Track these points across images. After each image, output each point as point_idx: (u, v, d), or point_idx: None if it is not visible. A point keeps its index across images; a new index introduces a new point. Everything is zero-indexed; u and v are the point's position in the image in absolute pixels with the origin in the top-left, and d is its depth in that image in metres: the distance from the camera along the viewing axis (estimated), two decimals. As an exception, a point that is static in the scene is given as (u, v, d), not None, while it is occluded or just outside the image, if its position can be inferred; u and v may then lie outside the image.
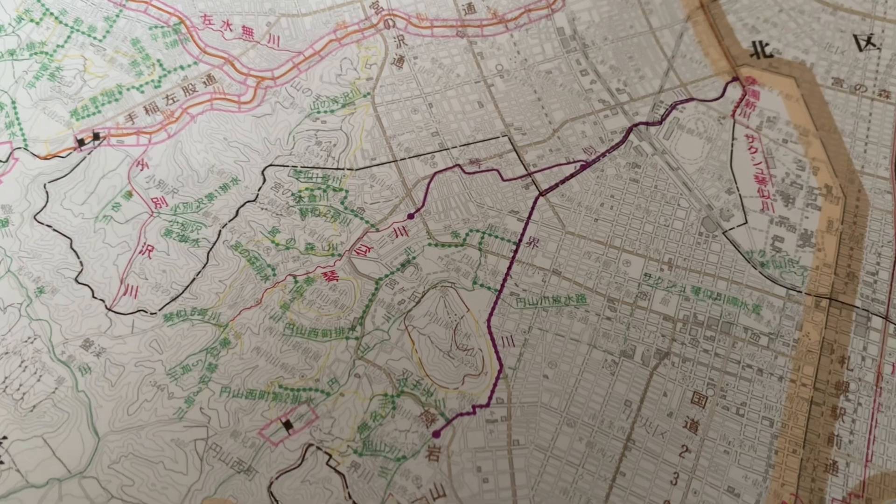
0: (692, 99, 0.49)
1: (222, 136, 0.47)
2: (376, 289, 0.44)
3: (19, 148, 0.46)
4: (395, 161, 0.47)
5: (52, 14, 0.49)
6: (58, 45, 0.48)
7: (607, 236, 0.46)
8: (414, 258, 0.45)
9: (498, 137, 0.48)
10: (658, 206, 0.47)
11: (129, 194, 0.45)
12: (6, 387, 0.41)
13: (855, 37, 0.51)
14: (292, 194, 0.46)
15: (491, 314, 0.44)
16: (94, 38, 0.49)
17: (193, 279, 0.44)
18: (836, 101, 0.49)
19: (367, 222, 0.46)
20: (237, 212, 0.45)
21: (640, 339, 0.43)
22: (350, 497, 0.39)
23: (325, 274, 0.44)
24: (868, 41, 0.51)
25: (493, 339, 0.43)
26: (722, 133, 0.48)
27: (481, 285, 0.44)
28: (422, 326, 0.43)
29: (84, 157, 0.46)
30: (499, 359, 0.42)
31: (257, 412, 0.41)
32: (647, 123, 0.49)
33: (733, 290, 0.44)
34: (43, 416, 0.40)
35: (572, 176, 0.47)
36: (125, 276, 0.44)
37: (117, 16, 0.49)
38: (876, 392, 0.42)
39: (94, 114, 0.47)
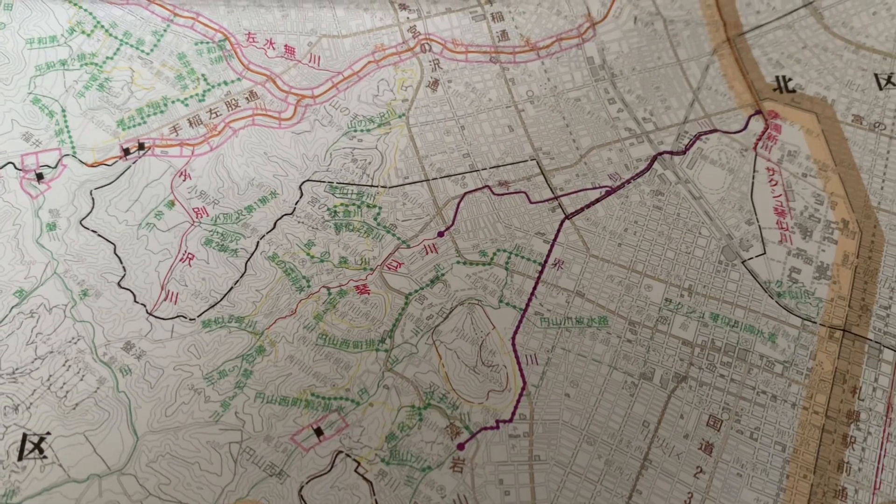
0: (716, 130, 0.51)
1: (263, 150, 0.49)
2: (406, 303, 0.46)
3: (68, 155, 0.48)
4: (428, 180, 0.49)
5: (102, 27, 0.51)
6: (107, 57, 0.50)
7: (630, 261, 0.47)
8: (443, 275, 0.47)
9: (526, 161, 0.50)
10: (680, 233, 0.48)
11: (172, 203, 0.47)
12: (51, 384, 0.42)
13: (876, 75, 0.53)
14: (328, 209, 0.48)
15: (516, 332, 0.45)
16: (143, 51, 0.51)
17: (231, 288, 0.46)
18: (855, 138, 0.51)
19: (398, 238, 0.48)
20: (275, 224, 0.47)
21: (660, 362, 0.45)
22: (376, 504, 0.41)
23: (357, 287, 0.46)
24: (888, 80, 0.53)
25: (517, 357, 0.45)
26: (744, 165, 0.50)
27: (507, 304, 0.46)
28: (449, 341, 0.45)
29: (129, 166, 0.48)
30: (522, 376, 0.44)
31: (290, 418, 0.42)
32: (671, 153, 0.50)
33: (750, 318, 0.46)
34: (85, 415, 0.42)
35: (598, 201, 0.49)
36: (166, 282, 0.45)
37: (165, 30, 0.51)
38: (886, 422, 0.44)
39: (139, 124, 0.49)
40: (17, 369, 0.43)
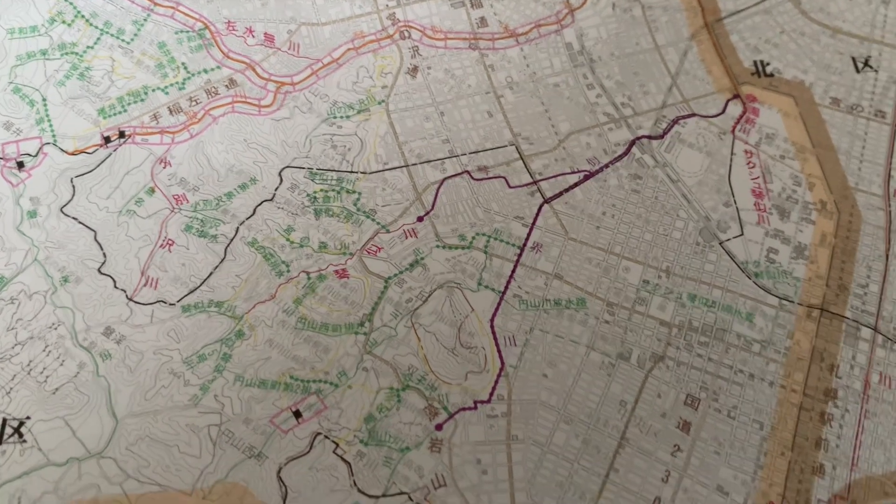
0: (694, 114, 0.51)
1: (242, 137, 0.49)
2: (385, 287, 0.46)
3: (48, 143, 0.48)
4: (407, 166, 0.49)
5: (83, 16, 0.51)
6: (88, 47, 0.50)
7: (608, 243, 0.48)
8: (422, 259, 0.47)
9: (506, 146, 0.50)
10: (658, 216, 0.48)
11: (152, 190, 0.47)
12: (31, 369, 0.43)
13: (853, 59, 0.53)
14: (307, 195, 0.48)
15: (494, 314, 0.45)
16: (123, 40, 0.51)
17: (211, 273, 0.46)
18: (833, 120, 0.51)
19: (378, 223, 0.48)
20: (255, 210, 0.47)
21: (637, 342, 0.45)
22: (355, 484, 0.41)
23: (336, 272, 0.46)
24: (865, 63, 0.53)
25: (495, 339, 0.45)
26: (722, 148, 0.50)
27: (486, 287, 0.46)
28: (428, 324, 0.45)
29: (110, 154, 0.48)
30: (501, 357, 0.44)
31: (269, 401, 0.43)
32: (649, 137, 0.51)
33: (728, 298, 0.46)
34: (65, 399, 0.42)
35: (576, 185, 0.49)
36: (146, 268, 0.46)
37: (145, 20, 0.51)
38: (863, 399, 0.44)
39: (120, 113, 0.49)
40: (-3, 355, 0.43)
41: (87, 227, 0.46)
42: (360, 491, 0.41)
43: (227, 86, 0.50)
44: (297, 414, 0.42)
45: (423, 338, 0.45)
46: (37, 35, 0.50)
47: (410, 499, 0.41)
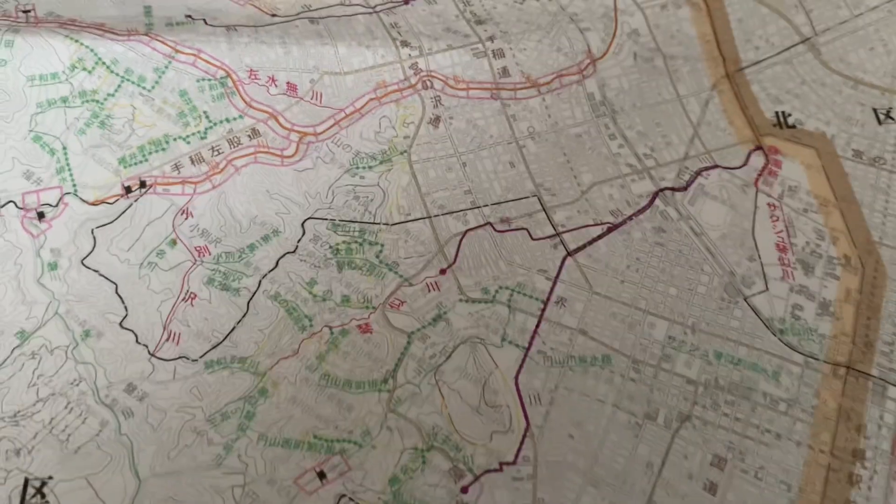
0: (717, 166, 0.51)
1: (265, 188, 0.49)
2: (408, 343, 0.46)
3: (69, 193, 0.48)
4: (429, 217, 0.49)
5: (103, 63, 0.51)
6: (108, 94, 0.50)
7: (633, 298, 0.47)
8: (445, 313, 0.47)
9: (528, 197, 0.50)
10: (682, 270, 0.48)
11: (174, 242, 0.47)
12: (52, 427, 0.42)
13: (874, 110, 0.53)
14: (330, 247, 0.48)
15: (519, 371, 0.45)
16: (144, 88, 0.51)
17: (234, 328, 0.45)
18: (855, 173, 0.51)
19: (400, 276, 0.48)
20: (277, 262, 0.47)
21: (664, 401, 0.45)
22: (381, 548, 0.41)
23: (359, 326, 0.46)
24: (887, 115, 0.53)
25: (520, 397, 0.44)
26: (745, 201, 0.50)
27: (510, 342, 0.46)
28: (452, 381, 0.45)
29: (131, 204, 0.48)
30: (526, 417, 0.44)
31: (293, 461, 0.42)
32: (672, 189, 0.50)
33: (753, 355, 0.46)
34: (87, 458, 0.42)
35: (600, 237, 0.49)
36: (168, 322, 0.45)
37: (166, 67, 0.51)
38: (892, 460, 0.44)
39: (141, 162, 0.49)
40: (18, 412, 0.42)
41: (108, 279, 0.46)
42: (385, 555, 0.41)
43: (249, 136, 0.50)
44: (322, 475, 0.42)
45: (448, 396, 0.44)
46: (57, 82, 0.50)
47: (437, 563, 0.41)
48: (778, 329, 0.47)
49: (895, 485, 0.43)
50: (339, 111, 0.51)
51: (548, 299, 0.47)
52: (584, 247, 0.49)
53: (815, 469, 0.43)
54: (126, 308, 0.45)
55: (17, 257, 0.46)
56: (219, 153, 0.50)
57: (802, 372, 0.45)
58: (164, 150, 0.49)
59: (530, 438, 0.44)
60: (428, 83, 0.52)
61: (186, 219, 0.48)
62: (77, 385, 0.43)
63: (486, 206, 0.50)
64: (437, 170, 0.51)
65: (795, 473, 0.43)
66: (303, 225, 0.48)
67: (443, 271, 0.48)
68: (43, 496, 0.41)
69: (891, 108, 0.53)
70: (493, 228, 0.49)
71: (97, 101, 0.50)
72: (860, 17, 0.56)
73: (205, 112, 0.50)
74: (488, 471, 0.43)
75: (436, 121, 0.52)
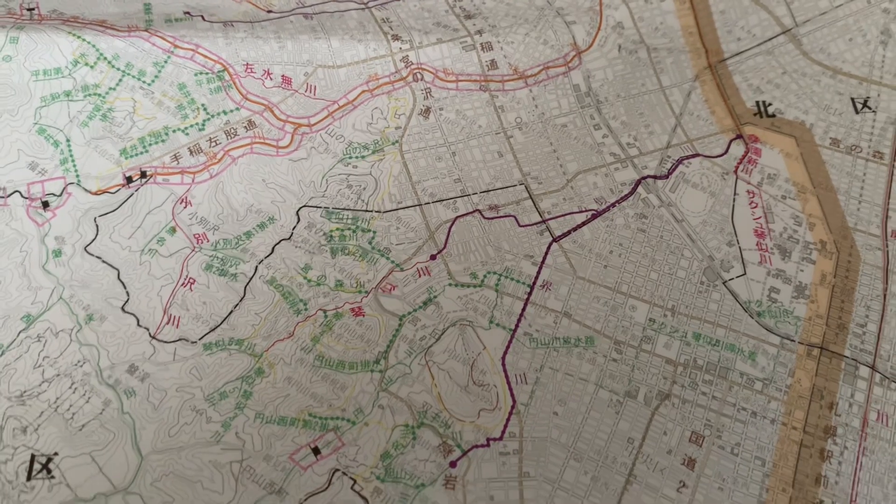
0: (698, 154, 0.53)
1: (261, 177, 0.51)
2: (400, 325, 0.48)
3: (72, 183, 0.50)
4: (420, 205, 0.51)
5: (105, 58, 0.52)
6: (110, 88, 0.52)
7: (615, 282, 0.49)
8: (435, 297, 0.48)
9: (515, 185, 0.52)
10: (663, 255, 0.50)
11: (173, 230, 0.49)
12: (57, 406, 0.44)
13: (852, 100, 0.55)
14: (324, 234, 0.50)
15: (506, 352, 0.47)
16: (144, 82, 0.52)
17: (231, 311, 0.47)
18: (832, 161, 0.53)
19: (392, 262, 0.49)
20: (273, 249, 0.49)
21: (644, 380, 0.46)
22: (372, 520, 0.43)
23: (352, 309, 0.48)
24: (864, 104, 0.55)
25: (507, 376, 0.46)
26: (725, 188, 0.52)
27: (497, 325, 0.48)
28: (441, 362, 0.47)
29: (132, 194, 0.50)
30: (512, 395, 0.46)
31: (288, 438, 0.44)
32: (654, 177, 0.52)
33: (731, 337, 0.48)
34: (91, 436, 0.44)
35: (584, 224, 0.51)
36: (168, 306, 0.47)
37: (165, 62, 0.53)
38: (861, 437, 0.45)
39: (142, 153, 0.51)
40: (24, 392, 0.44)
41: (110, 265, 0.48)
42: (376, 526, 0.43)
43: (245, 127, 0.52)
44: (316, 451, 0.44)
45: (437, 375, 0.46)
46: (60, 77, 0.52)
47: (425, 534, 0.43)
48: (755, 311, 0.48)
49: (864, 460, 0.45)
50: (333, 103, 0.53)
51: (534, 283, 0.49)
52: (568, 233, 0.51)
53: (788, 445, 0.45)
54: (128, 293, 0.47)
55: (23, 244, 0.48)
56: (216, 144, 0.51)
57: (778, 352, 0.47)
58: (163, 141, 0.51)
59: (516, 416, 0.45)
60: (418, 75, 0.54)
61: (185, 207, 0.50)
62: (81, 366, 0.45)
63: (475, 193, 0.52)
64: (427, 159, 0.52)
65: (770, 449, 0.45)
66: (297, 213, 0.50)
67: (433, 257, 0.50)
68: (49, 471, 0.43)
69: (868, 97, 0.55)
70: (482, 215, 0.51)
71: (99, 95, 0.52)
72: (840, 7, 0.58)
73: (203, 105, 0.52)
74: (476, 446, 0.44)
75: (426, 112, 0.54)
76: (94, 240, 0.48)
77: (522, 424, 0.45)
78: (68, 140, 0.50)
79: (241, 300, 0.48)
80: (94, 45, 0.52)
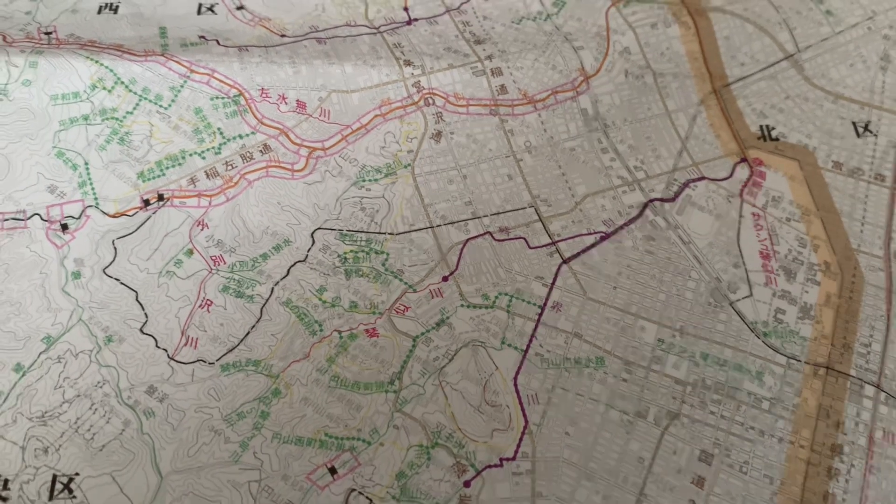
0: (704, 178, 0.54)
1: (276, 200, 0.52)
2: (413, 346, 0.48)
3: (91, 206, 0.50)
4: (432, 227, 0.52)
5: (122, 83, 0.53)
6: (127, 112, 0.53)
7: (624, 303, 0.50)
8: (448, 318, 0.49)
9: (525, 208, 0.53)
10: (671, 276, 0.51)
11: (190, 252, 0.50)
12: (78, 427, 0.45)
13: (854, 124, 0.56)
14: (338, 256, 0.51)
15: (517, 373, 0.48)
16: (161, 106, 0.53)
17: (248, 332, 0.48)
18: (835, 184, 0.54)
19: (405, 283, 0.50)
20: (288, 271, 0.50)
21: (654, 400, 0.47)
22: (388, 539, 0.43)
23: (367, 331, 0.49)
24: (865, 128, 0.56)
25: (519, 397, 0.47)
26: (730, 210, 0.53)
27: (509, 345, 0.49)
28: (454, 382, 0.47)
29: (149, 217, 0.51)
30: (524, 415, 0.47)
31: (305, 458, 0.45)
32: (661, 200, 0.53)
33: (738, 357, 0.48)
34: (111, 456, 0.44)
35: (593, 246, 0.52)
36: (186, 328, 0.48)
37: (182, 86, 0.54)
38: (868, 455, 0.46)
39: (159, 176, 0.52)
40: (46, 412, 0.45)
41: (128, 287, 0.49)
42: (393, 545, 0.43)
43: (261, 151, 0.53)
44: (333, 470, 0.45)
45: (451, 396, 0.47)
46: (79, 101, 0.53)
47: (441, 553, 0.43)
48: (762, 332, 0.49)
49: (871, 478, 0.46)
50: (346, 127, 0.54)
51: (544, 304, 0.50)
52: (578, 255, 0.52)
53: (796, 463, 0.46)
54: (146, 314, 0.48)
55: (43, 267, 0.49)
56: (232, 167, 0.52)
57: (784, 372, 0.48)
58: (180, 164, 0.52)
59: (529, 436, 0.46)
60: (430, 100, 0.55)
61: (202, 230, 0.51)
62: (101, 387, 0.46)
63: (486, 216, 0.53)
64: (439, 182, 0.53)
65: (778, 467, 0.46)
66: (312, 235, 0.51)
67: (445, 278, 0.51)
68: (70, 492, 0.43)
69: (869, 121, 0.56)
70: (493, 238, 0.52)
71: (117, 119, 0.53)
72: (841, 34, 0.59)
73: (219, 129, 0.53)
74: (489, 466, 0.45)
75: (437, 136, 0.55)
76: (112, 262, 0.49)
77: (535, 444, 0.46)
78: (86, 163, 0.51)
79: (257, 321, 0.48)
80: (111, 70, 0.53)
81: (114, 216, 0.50)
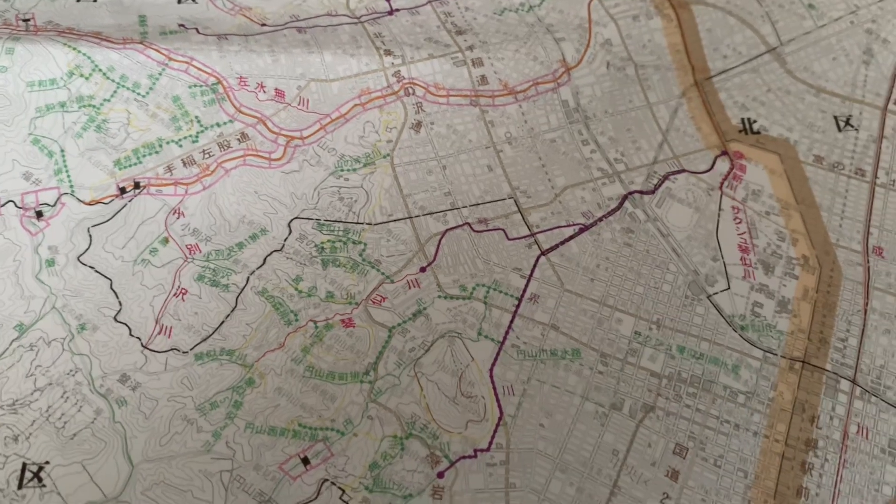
0: (684, 170, 0.54)
1: (253, 189, 0.51)
2: (389, 336, 0.48)
3: (66, 193, 0.50)
4: (411, 218, 0.52)
5: (100, 70, 0.53)
6: (104, 100, 0.52)
7: (602, 295, 0.50)
8: (424, 309, 0.49)
9: (505, 199, 0.53)
10: (649, 269, 0.51)
11: (166, 240, 0.50)
12: (49, 415, 0.45)
13: (835, 118, 0.56)
14: (315, 245, 0.50)
15: (493, 364, 0.48)
16: (138, 93, 0.53)
17: (223, 322, 0.48)
18: (816, 178, 0.54)
19: (382, 274, 0.50)
20: (264, 260, 0.50)
21: (629, 393, 0.47)
22: (360, 529, 0.43)
23: (343, 321, 0.48)
24: (847, 122, 0.56)
25: (494, 388, 0.47)
26: (710, 203, 0.53)
27: (485, 337, 0.48)
28: (430, 373, 0.47)
29: (125, 205, 0.50)
30: (499, 407, 0.46)
31: (278, 448, 0.45)
32: (641, 192, 0.53)
33: (715, 350, 0.48)
34: (82, 444, 0.44)
35: (571, 238, 0.52)
36: (160, 316, 0.48)
37: (160, 74, 0.53)
38: (842, 449, 0.46)
39: (135, 164, 0.51)
40: (17, 401, 0.45)
41: (103, 275, 0.48)
42: (364, 536, 0.43)
43: (238, 139, 0.52)
44: (306, 461, 0.45)
45: (426, 387, 0.47)
46: (55, 88, 0.52)
47: (413, 543, 0.43)
48: (738, 325, 0.49)
49: (845, 472, 0.46)
50: (325, 116, 0.54)
51: (522, 296, 0.50)
52: (556, 247, 0.51)
53: (770, 457, 0.46)
54: (120, 302, 0.48)
55: (17, 254, 0.48)
56: (209, 156, 0.52)
57: (761, 366, 0.48)
58: (157, 152, 0.52)
59: (503, 427, 0.46)
60: (410, 90, 0.55)
61: (178, 218, 0.50)
62: (73, 375, 0.46)
63: (465, 207, 0.52)
64: (418, 172, 0.53)
65: (752, 461, 0.46)
66: (289, 224, 0.51)
67: (423, 269, 0.50)
68: (40, 480, 0.43)
69: (850, 115, 0.56)
70: (472, 228, 0.52)
71: (94, 106, 0.52)
72: (823, 27, 0.59)
73: (196, 117, 0.53)
74: (463, 457, 0.45)
75: (417, 126, 0.54)
76: (87, 250, 0.49)
77: (509, 436, 0.46)
78: (63, 151, 0.51)
79: (232, 311, 0.48)
80: (89, 57, 0.53)
81: (89, 204, 0.50)
